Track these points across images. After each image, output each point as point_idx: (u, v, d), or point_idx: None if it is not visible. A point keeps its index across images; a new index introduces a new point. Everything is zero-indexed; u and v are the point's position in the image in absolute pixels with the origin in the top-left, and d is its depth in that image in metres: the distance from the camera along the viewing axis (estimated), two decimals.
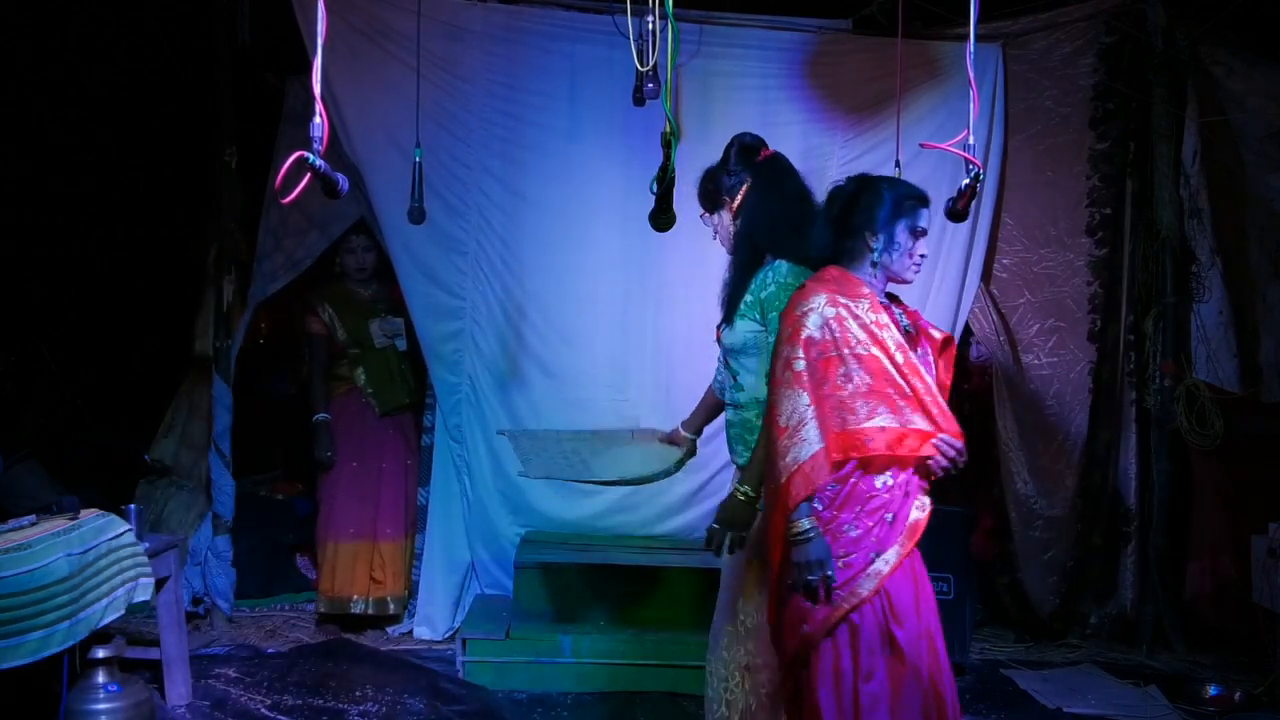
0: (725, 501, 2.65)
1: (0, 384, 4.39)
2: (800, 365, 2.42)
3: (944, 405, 2.49)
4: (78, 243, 4.82)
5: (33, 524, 3.05)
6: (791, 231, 2.64)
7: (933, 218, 2.59)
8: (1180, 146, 4.66)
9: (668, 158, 2.91)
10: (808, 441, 2.36)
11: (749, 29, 4.65)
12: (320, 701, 3.75)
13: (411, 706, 3.74)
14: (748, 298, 2.68)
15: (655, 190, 2.98)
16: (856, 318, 2.45)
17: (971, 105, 2.37)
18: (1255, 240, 4.66)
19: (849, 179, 2.62)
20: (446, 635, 4.56)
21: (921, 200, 2.57)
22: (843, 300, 2.46)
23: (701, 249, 4.62)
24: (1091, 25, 4.70)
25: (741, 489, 2.62)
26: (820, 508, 2.43)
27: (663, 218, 3.03)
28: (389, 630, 4.66)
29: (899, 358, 2.45)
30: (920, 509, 2.52)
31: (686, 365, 4.69)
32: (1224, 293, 4.65)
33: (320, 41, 1.98)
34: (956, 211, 2.54)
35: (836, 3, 4.71)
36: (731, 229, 2.77)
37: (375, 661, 4.22)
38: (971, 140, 2.39)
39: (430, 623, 4.60)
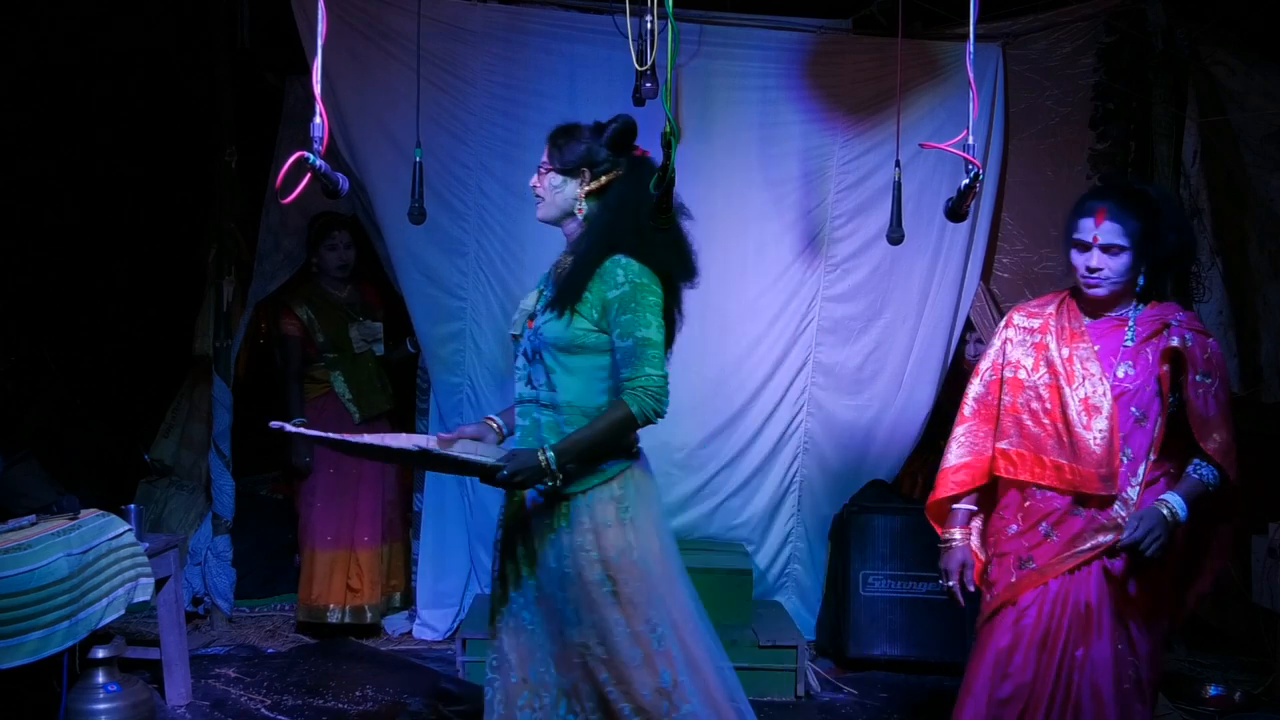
0: (525, 452, 2.39)
1: (0, 384, 4.39)
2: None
3: (1082, 435, 2.55)
4: (78, 243, 4.82)
5: (33, 524, 3.05)
6: (649, 236, 2.50)
7: (1103, 217, 2.57)
8: (1180, 146, 4.65)
9: (668, 158, 2.90)
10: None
11: (749, 29, 4.65)
12: (320, 701, 3.75)
13: (411, 706, 3.74)
14: (588, 294, 2.48)
15: (655, 190, 2.97)
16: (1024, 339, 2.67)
17: (971, 105, 2.36)
18: (1255, 240, 4.65)
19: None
20: (446, 635, 4.56)
21: (1079, 207, 2.60)
22: (1017, 321, 2.72)
23: (701, 249, 4.63)
24: (1091, 25, 4.70)
25: (548, 454, 2.37)
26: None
27: (663, 218, 3.02)
28: (389, 631, 4.67)
29: (1037, 378, 2.61)
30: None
31: (686, 365, 4.70)
32: (1224, 293, 4.65)
33: (320, 41, 1.98)
34: (956, 212, 2.55)
35: (836, 3, 4.71)
36: (579, 208, 2.58)
37: (375, 662, 4.23)
38: (971, 140, 2.38)
39: (430, 623, 4.61)
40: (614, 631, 2.41)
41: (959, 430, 2.76)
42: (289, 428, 2.34)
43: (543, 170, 2.63)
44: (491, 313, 4.60)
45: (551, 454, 2.37)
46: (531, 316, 2.59)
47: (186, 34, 4.61)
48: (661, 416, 2.54)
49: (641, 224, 2.46)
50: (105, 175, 4.78)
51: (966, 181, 2.44)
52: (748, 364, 4.71)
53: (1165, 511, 2.49)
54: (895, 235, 3.64)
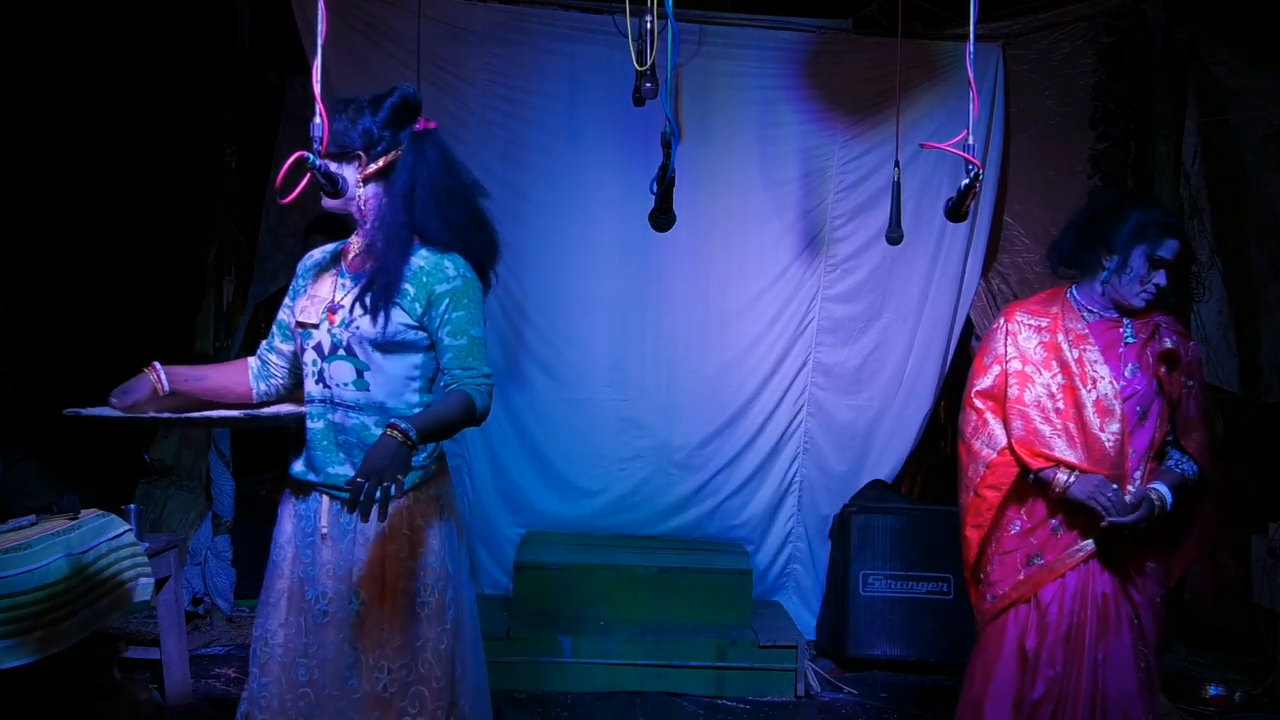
0: (376, 445, 2.09)
1: (1, 384, 4.39)
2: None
3: (1098, 436, 2.59)
4: (78, 243, 4.82)
5: (33, 524, 3.04)
6: (456, 224, 2.33)
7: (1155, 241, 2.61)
8: (1180, 146, 4.66)
9: (668, 158, 2.90)
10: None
11: (749, 29, 4.65)
12: None
13: None
14: (409, 287, 2.27)
15: (655, 190, 2.97)
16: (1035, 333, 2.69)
17: (971, 105, 2.37)
18: (1255, 240, 4.66)
19: (1110, 189, 2.66)
20: None
21: (1170, 229, 2.61)
22: (1021, 318, 2.73)
23: (702, 249, 4.67)
24: (1091, 25, 4.70)
25: (399, 430, 2.11)
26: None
27: (663, 218, 3.02)
28: None
29: (1054, 380, 2.63)
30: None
31: (686, 365, 4.71)
32: (1224, 293, 4.65)
33: (320, 41, 1.99)
34: (956, 212, 2.55)
35: (836, 3, 4.72)
36: (359, 194, 2.31)
37: None
38: (971, 140, 2.39)
39: None
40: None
41: (975, 423, 2.74)
42: (84, 412, 2.22)
43: (345, 156, 2.30)
44: (491, 313, 4.59)
45: (410, 427, 2.11)
46: (333, 309, 2.30)
47: (186, 34, 4.61)
48: (485, 420, 2.39)
49: (442, 208, 2.29)
50: (105, 175, 4.78)
51: (966, 181, 2.44)
52: (748, 364, 4.71)
53: (1155, 499, 2.56)
54: (894, 235, 3.64)
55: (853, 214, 4.68)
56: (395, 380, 2.31)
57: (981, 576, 2.72)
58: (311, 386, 2.33)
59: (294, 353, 2.42)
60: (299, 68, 4.48)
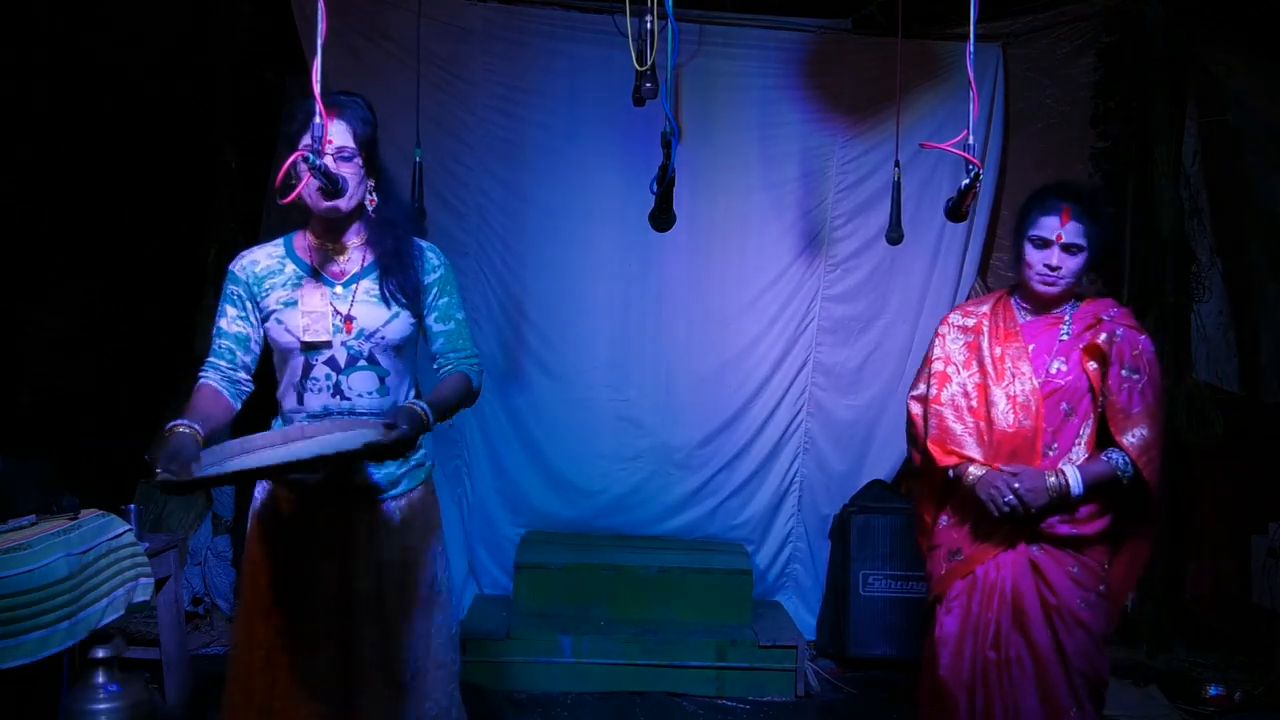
0: (408, 412, 2.13)
1: (0, 384, 4.39)
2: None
3: (1009, 431, 2.58)
4: (77, 242, 4.81)
5: (33, 524, 3.04)
6: (417, 214, 2.44)
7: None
8: (1180, 146, 4.66)
9: (668, 158, 2.90)
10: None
11: (749, 29, 4.65)
12: None
13: None
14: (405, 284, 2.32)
15: (655, 190, 2.97)
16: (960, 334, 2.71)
17: (971, 105, 2.37)
18: (1255, 240, 4.66)
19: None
20: None
21: (1044, 208, 2.58)
22: (953, 320, 2.75)
23: (701, 249, 4.67)
24: (1091, 25, 4.70)
25: (421, 406, 2.17)
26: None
27: (663, 218, 3.02)
28: None
29: (970, 379, 2.64)
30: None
31: (686, 365, 4.71)
32: (1224, 293, 4.65)
33: (320, 41, 1.99)
34: (956, 211, 2.55)
35: (836, 3, 4.71)
36: (363, 191, 2.32)
37: None
38: (971, 140, 2.38)
39: None
40: None
41: (908, 427, 2.82)
42: (176, 479, 1.97)
43: (348, 154, 2.27)
44: (491, 313, 4.60)
45: (427, 406, 2.17)
46: (348, 319, 2.28)
47: (186, 34, 4.61)
48: (478, 398, 2.46)
49: (403, 199, 2.40)
50: (105, 175, 4.78)
51: (967, 181, 2.44)
52: (748, 364, 4.71)
53: (1053, 479, 2.51)
54: (894, 235, 3.64)
55: (853, 214, 4.68)
56: (403, 378, 2.37)
57: (926, 571, 2.78)
58: (326, 400, 2.27)
59: (255, 363, 2.37)
60: (299, 68, 4.47)
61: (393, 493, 2.33)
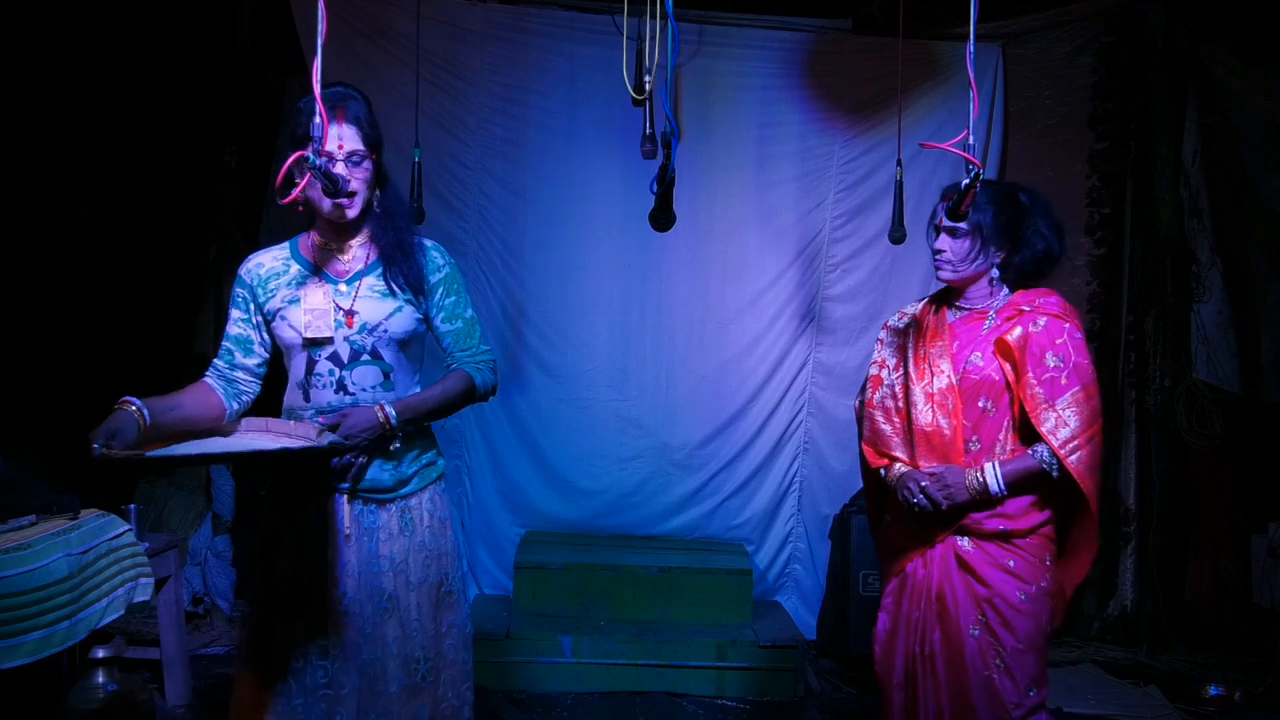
0: (359, 414, 2.22)
1: (0, 386, 4.39)
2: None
3: (927, 430, 2.56)
4: (78, 243, 4.81)
5: (32, 524, 3.04)
6: (416, 211, 2.47)
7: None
8: (1180, 146, 4.66)
9: (668, 157, 2.90)
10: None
11: (749, 29, 4.65)
12: None
13: None
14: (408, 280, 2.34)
15: (655, 190, 2.97)
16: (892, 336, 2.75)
17: (971, 105, 2.36)
18: (1255, 240, 4.66)
19: None
20: None
21: (944, 196, 2.67)
22: (890, 323, 2.79)
23: (701, 249, 4.67)
24: (1091, 25, 4.70)
25: (387, 410, 2.24)
26: None
27: (663, 218, 3.02)
28: None
29: (898, 379, 2.65)
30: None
31: (686, 365, 4.71)
32: (1224, 293, 4.65)
33: (320, 41, 1.98)
34: (956, 211, 2.55)
35: (836, 3, 4.71)
36: (371, 193, 2.34)
37: None
38: (971, 140, 2.38)
39: None
40: None
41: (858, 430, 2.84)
42: (115, 454, 2.02)
43: (358, 158, 2.28)
44: (491, 312, 4.60)
45: (391, 410, 2.22)
46: (349, 314, 2.30)
47: (186, 34, 4.61)
48: (494, 395, 2.47)
49: (405, 197, 2.42)
50: (105, 175, 4.77)
51: (967, 181, 2.44)
52: (748, 364, 4.71)
53: (972, 476, 2.47)
54: (897, 234, 3.64)
55: (853, 214, 4.68)
56: (408, 374, 2.38)
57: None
58: (330, 396, 2.30)
59: (260, 365, 2.41)
60: (299, 68, 4.48)
61: (403, 491, 2.34)
